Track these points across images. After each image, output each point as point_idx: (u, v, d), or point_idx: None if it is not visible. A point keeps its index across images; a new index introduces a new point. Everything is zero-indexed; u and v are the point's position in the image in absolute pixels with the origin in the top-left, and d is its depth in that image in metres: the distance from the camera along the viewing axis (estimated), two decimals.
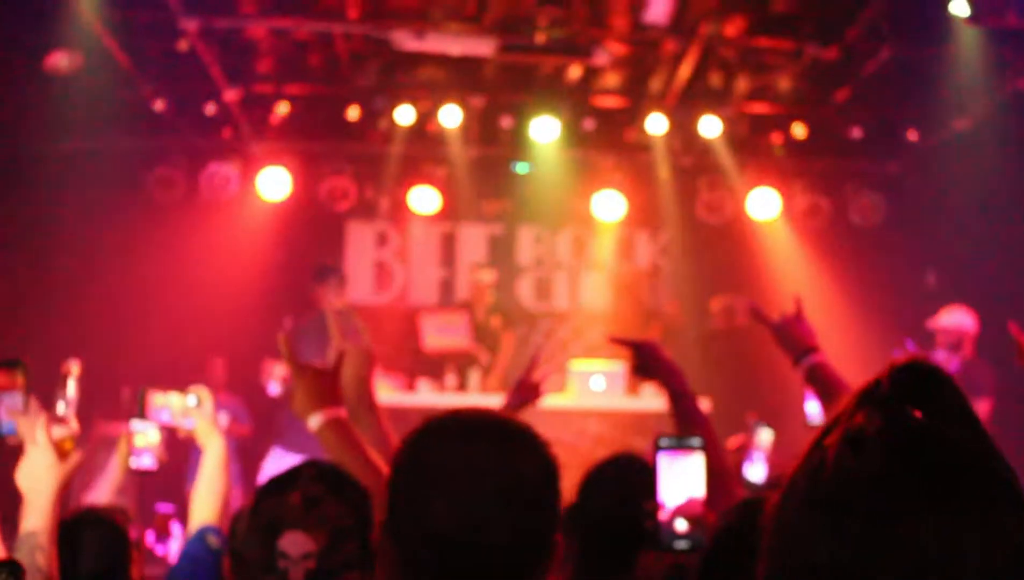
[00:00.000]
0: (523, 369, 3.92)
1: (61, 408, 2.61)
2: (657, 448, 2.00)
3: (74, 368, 2.69)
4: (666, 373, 3.04)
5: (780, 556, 1.13)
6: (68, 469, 2.41)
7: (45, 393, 2.56)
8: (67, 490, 2.43)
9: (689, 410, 2.97)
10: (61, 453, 2.40)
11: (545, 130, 9.35)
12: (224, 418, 8.75)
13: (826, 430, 1.15)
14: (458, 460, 1.52)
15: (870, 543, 1.07)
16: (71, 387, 2.66)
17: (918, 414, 1.12)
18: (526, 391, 3.79)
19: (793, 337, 2.95)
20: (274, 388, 8.19)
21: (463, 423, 1.59)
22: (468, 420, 1.59)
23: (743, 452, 3.97)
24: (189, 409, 3.61)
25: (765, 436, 3.87)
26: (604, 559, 2.63)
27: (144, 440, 3.54)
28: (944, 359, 7.39)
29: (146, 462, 3.53)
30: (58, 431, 2.45)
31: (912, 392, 1.12)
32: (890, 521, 1.07)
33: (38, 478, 2.37)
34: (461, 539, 1.50)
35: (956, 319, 7.82)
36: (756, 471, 3.81)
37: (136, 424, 3.52)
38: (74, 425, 2.54)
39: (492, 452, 1.54)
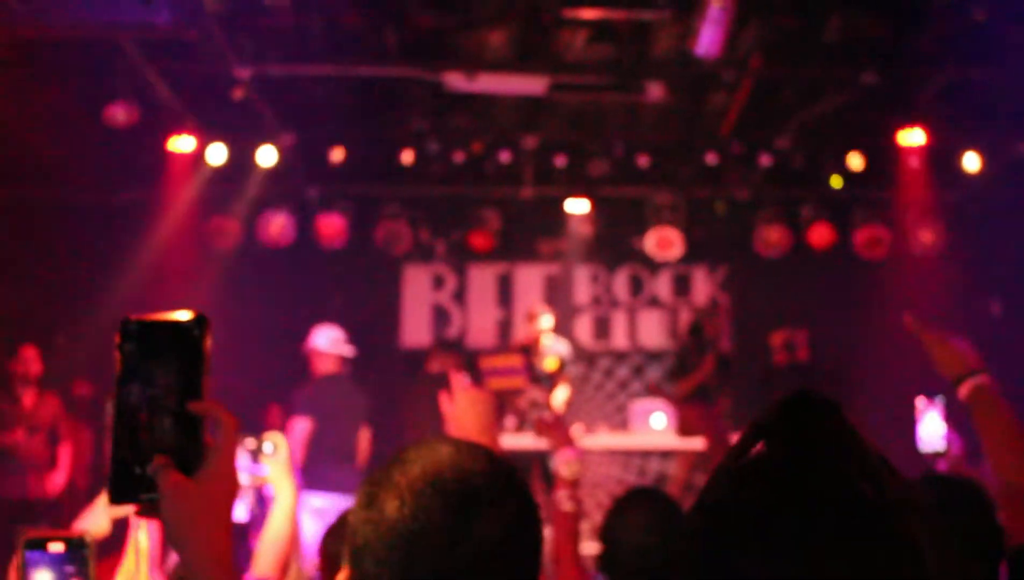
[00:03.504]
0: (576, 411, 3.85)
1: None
2: None
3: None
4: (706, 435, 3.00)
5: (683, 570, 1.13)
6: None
7: None
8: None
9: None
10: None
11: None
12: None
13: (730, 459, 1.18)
14: (407, 520, 1.43)
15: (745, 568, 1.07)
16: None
17: (803, 445, 1.13)
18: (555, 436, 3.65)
19: (957, 354, 2.66)
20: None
21: (421, 475, 1.47)
22: (427, 472, 1.47)
23: None
24: (265, 455, 3.51)
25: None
26: None
27: None
28: None
29: (239, 514, 3.49)
30: None
31: (799, 423, 1.14)
32: (761, 549, 1.06)
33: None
34: None
35: None
36: None
37: None
38: None
39: (442, 512, 1.44)
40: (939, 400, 3.40)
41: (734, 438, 2.96)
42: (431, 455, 1.48)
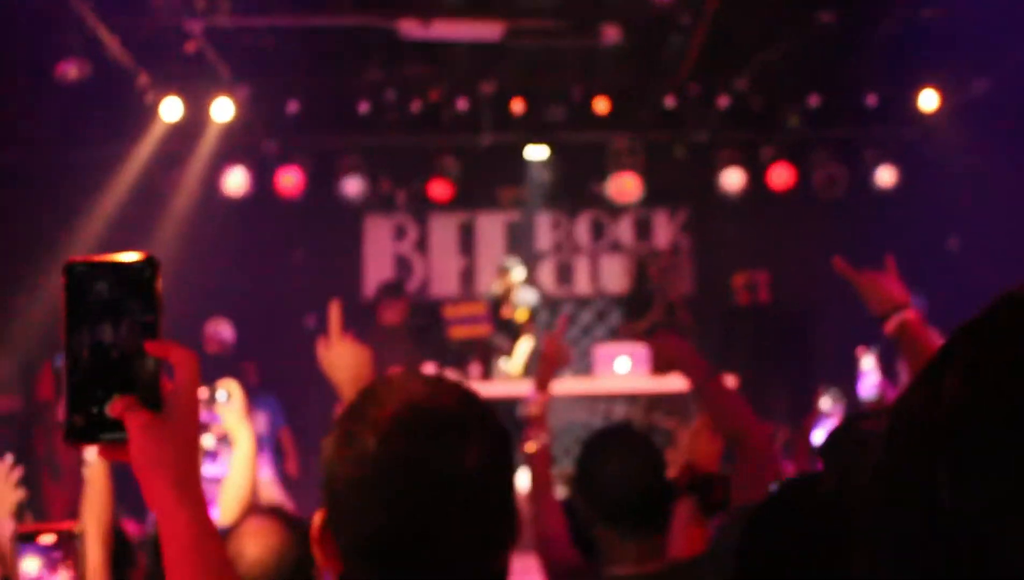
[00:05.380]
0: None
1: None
2: None
3: None
4: (687, 364, 2.98)
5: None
6: None
7: None
8: None
9: (716, 395, 2.94)
10: None
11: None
12: (262, 419, 8.74)
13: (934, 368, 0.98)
14: (395, 456, 1.41)
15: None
16: None
17: None
18: (551, 358, 3.61)
19: (882, 292, 2.68)
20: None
21: (397, 410, 1.45)
22: (408, 410, 1.45)
23: (812, 420, 3.93)
24: (219, 404, 3.50)
25: (827, 403, 3.84)
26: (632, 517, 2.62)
27: (205, 443, 3.48)
28: None
29: (213, 470, 3.50)
30: None
31: None
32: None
33: None
34: (398, 542, 1.41)
35: None
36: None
37: None
38: None
39: (422, 444, 1.42)
40: (874, 349, 3.47)
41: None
42: (405, 389, 1.47)
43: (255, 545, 2.67)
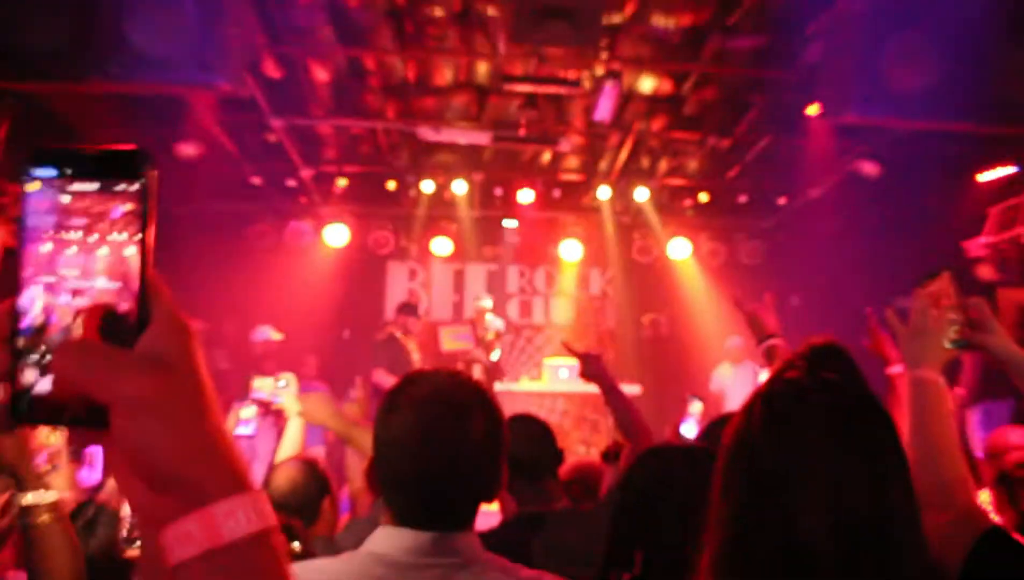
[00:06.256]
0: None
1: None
2: None
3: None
4: (601, 375, 2.99)
5: (734, 464, 1.11)
6: None
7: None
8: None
9: (617, 398, 2.94)
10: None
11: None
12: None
13: (768, 383, 1.15)
14: (424, 425, 1.46)
15: (787, 462, 1.05)
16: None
17: (830, 374, 1.11)
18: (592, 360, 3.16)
19: (761, 322, 2.58)
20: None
21: (428, 392, 1.50)
22: (435, 394, 1.50)
23: (682, 418, 3.91)
24: (279, 389, 3.35)
25: (696, 406, 3.84)
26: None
27: (246, 414, 3.38)
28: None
29: (245, 431, 3.36)
30: None
31: (824, 359, 1.13)
32: (799, 448, 1.05)
33: None
34: (419, 485, 1.45)
35: None
36: (690, 430, 3.78)
37: (239, 404, 3.37)
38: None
39: (445, 416, 1.47)
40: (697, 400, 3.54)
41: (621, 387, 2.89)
42: (433, 379, 1.52)
43: (278, 477, 2.67)
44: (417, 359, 8.17)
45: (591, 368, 3.02)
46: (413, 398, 1.48)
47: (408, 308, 8.51)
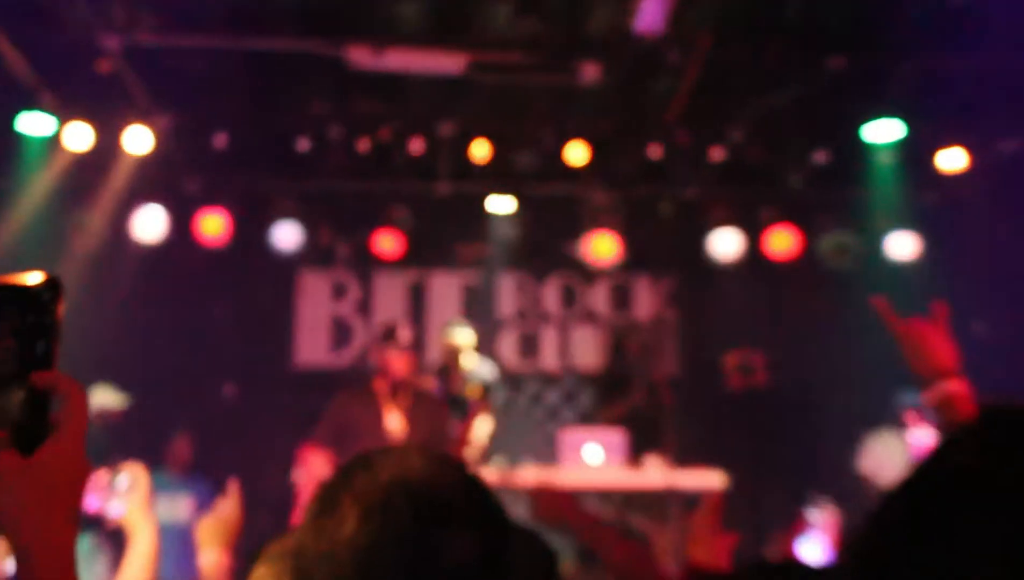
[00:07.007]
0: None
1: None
2: None
3: None
4: (570, 520, 3.08)
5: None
6: None
7: None
8: None
9: (603, 546, 3.00)
10: None
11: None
12: (186, 503, 8.68)
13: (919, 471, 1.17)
14: (371, 532, 1.47)
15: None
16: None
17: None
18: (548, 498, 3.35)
19: (928, 350, 2.53)
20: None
21: (389, 483, 1.50)
22: (395, 481, 1.50)
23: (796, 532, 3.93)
24: (118, 492, 3.35)
25: (819, 514, 3.84)
26: None
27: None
28: None
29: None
30: None
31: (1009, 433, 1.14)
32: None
33: None
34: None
35: None
36: (812, 549, 3.79)
37: None
38: None
39: (410, 526, 1.49)
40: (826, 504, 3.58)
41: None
42: (401, 463, 1.50)
43: None
44: (397, 427, 7.86)
45: (548, 507, 3.12)
46: (363, 490, 1.48)
47: (386, 334, 8.16)
